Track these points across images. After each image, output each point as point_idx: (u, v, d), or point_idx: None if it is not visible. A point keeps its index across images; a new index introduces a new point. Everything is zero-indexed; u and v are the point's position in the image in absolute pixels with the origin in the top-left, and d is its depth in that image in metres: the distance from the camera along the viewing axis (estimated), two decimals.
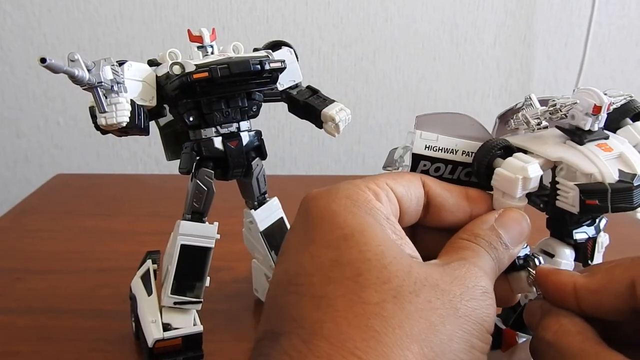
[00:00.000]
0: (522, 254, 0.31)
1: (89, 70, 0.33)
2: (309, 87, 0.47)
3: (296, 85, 0.46)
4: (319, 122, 0.45)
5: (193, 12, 0.91)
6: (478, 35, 0.95)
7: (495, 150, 0.31)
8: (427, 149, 0.33)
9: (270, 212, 0.47)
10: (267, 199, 0.47)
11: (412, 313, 0.22)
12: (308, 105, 0.45)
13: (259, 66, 0.39)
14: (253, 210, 0.46)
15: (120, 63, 0.38)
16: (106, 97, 0.35)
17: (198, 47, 0.41)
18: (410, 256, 0.25)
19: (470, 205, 0.30)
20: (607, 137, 0.32)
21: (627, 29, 0.96)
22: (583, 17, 0.93)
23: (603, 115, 0.32)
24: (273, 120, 0.96)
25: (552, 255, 0.34)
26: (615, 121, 0.34)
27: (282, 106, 0.47)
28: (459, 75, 0.96)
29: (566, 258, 0.33)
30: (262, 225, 0.46)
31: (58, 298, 0.52)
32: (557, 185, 0.31)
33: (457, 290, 0.24)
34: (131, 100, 0.37)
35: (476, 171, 0.31)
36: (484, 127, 0.34)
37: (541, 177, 0.31)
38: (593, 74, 0.97)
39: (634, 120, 0.34)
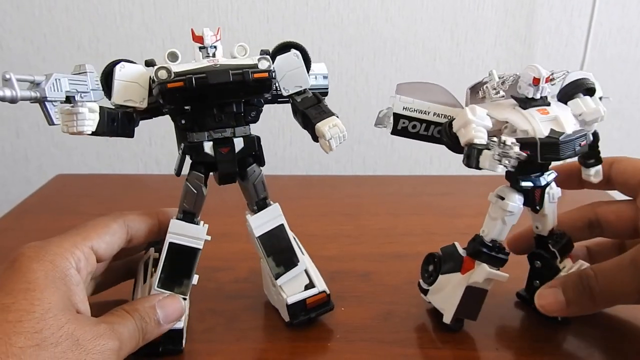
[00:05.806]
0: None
1: (37, 84, 0.33)
2: (314, 94, 0.44)
3: (303, 91, 0.43)
4: (314, 135, 0.42)
5: (193, 12, 0.91)
6: (478, 35, 0.95)
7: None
8: (404, 109, 0.42)
9: (268, 219, 0.45)
10: (269, 204, 0.45)
11: (46, 358, 0.30)
12: (305, 116, 0.42)
13: (240, 77, 0.38)
14: (251, 215, 0.45)
15: (115, 63, 0.38)
16: (73, 106, 0.35)
17: (200, 48, 0.40)
18: (77, 312, 0.34)
19: None
20: (548, 105, 0.40)
21: (628, 29, 0.96)
22: (583, 17, 0.93)
23: (543, 86, 0.39)
24: (273, 121, 0.96)
25: (503, 198, 0.41)
26: (568, 95, 0.41)
27: (282, 107, 0.47)
28: (459, 75, 0.96)
29: (513, 201, 0.40)
30: (258, 232, 0.44)
31: None
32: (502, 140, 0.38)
33: (90, 345, 0.32)
34: (100, 107, 0.36)
35: (443, 128, 0.41)
36: (453, 95, 0.43)
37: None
38: (593, 74, 0.97)
39: (584, 95, 0.41)
